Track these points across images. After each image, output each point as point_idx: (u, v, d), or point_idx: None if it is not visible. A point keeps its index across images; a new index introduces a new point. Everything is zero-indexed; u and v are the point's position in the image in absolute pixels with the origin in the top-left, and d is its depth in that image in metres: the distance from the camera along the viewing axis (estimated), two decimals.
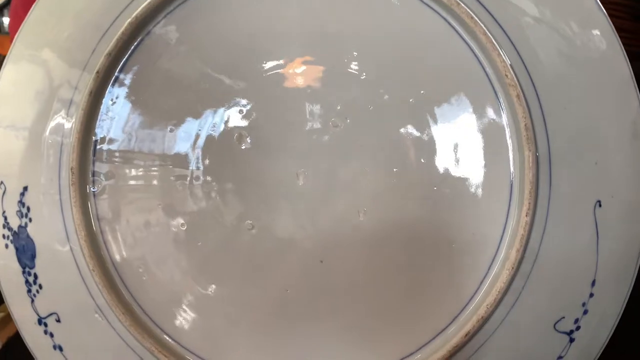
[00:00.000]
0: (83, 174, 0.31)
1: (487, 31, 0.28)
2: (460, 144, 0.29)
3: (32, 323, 0.32)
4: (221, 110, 0.31)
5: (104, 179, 0.31)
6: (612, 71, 0.29)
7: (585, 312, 0.29)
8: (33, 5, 0.32)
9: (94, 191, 0.31)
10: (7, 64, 0.33)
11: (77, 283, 0.31)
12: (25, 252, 0.32)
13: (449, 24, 0.29)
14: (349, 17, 0.30)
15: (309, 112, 0.30)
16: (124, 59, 0.31)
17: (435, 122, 0.29)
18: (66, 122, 0.31)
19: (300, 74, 0.30)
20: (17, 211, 0.32)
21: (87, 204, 0.31)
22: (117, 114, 0.31)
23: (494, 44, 0.28)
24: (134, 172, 0.31)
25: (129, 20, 0.30)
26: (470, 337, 0.28)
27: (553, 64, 0.28)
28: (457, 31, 0.29)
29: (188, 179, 0.31)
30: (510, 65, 0.28)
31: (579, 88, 0.29)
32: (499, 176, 0.29)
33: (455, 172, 0.29)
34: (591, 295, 0.29)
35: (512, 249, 0.28)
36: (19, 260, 0.32)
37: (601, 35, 0.29)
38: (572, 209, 0.29)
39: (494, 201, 0.29)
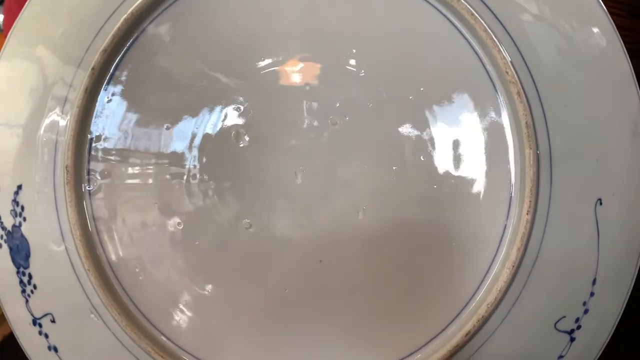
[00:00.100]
0: (78, 173, 0.31)
1: (487, 28, 0.28)
2: (460, 142, 0.29)
3: (26, 324, 0.32)
4: (218, 108, 0.31)
5: (99, 177, 0.31)
6: (612, 69, 0.29)
7: (586, 311, 0.29)
8: (27, 2, 0.32)
9: (89, 190, 0.31)
10: (1, 61, 0.32)
11: (72, 283, 0.31)
12: (20, 251, 0.32)
13: (449, 20, 0.28)
14: (348, 14, 0.29)
15: (307, 109, 0.30)
16: (120, 56, 0.30)
17: (435, 119, 0.29)
18: (61, 119, 0.31)
19: (298, 71, 0.30)
20: (11, 210, 0.32)
21: (82, 203, 0.31)
22: (113, 112, 0.31)
23: (494, 40, 0.28)
24: (130, 170, 0.31)
25: (124, 16, 0.30)
26: (470, 336, 0.28)
27: (554, 61, 0.28)
28: (457, 28, 0.28)
29: (185, 177, 0.31)
30: (511, 62, 0.28)
31: (579, 86, 0.28)
32: (499, 174, 0.29)
33: (455, 170, 0.29)
34: (592, 294, 0.29)
35: (513, 248, 0.28)
36: (13, 260, 0.32)
37: (601, 33, 0.29)
38: (573, 207, 0.28)
39: (495, 199, 0.29)
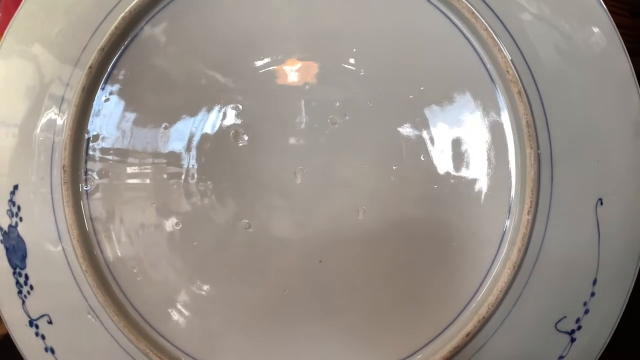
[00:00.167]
0: (75, 173, 0.30)
1: (488, 26, 0.27)
2: (460, 141, 0.29)
3: (23, 325, 0.32)
4: (217, 107, 0.30)
5: (96, 177, 0.31)
6: (613, 68, 0.29)
7: (587, 311, 0.29)
8: (23, 0, 0.31)
9: (86, 190, 0.31)
10: None
11: (69, 284, 0.31)
12: (16, 252, 0.31)
13: (449, 19, 0.28)
14: (348, 12, 0.29)
15: (306, 109, 0.30)
16: (117, 55, 0.30)
17: (435, 119, 0.29)
18: (58, 119, 0.31)
19: (297, 70, 0.30)
20: (7, 210, 0.31)
21: (79, 203, 0.30)
22: (110, 111, 0.31)
23: (495, 39, 0.27)
24: (127, 170, 0.31)
25: (122, 14, 0.29)
26: (471, 337, 0.28)
27: (554, 60, 0.28)
28: (457, 27, 0.28)
29: (183, 177, 0.31)
30: (512, 61, 0.28)
31: (580, 85, 0.28)
32: (500, 174, 0.28)
33: (456, 170, 0.29)
34: (592, 294, 0.29)
35: (514, 248, 0.27)
36: (9, 260, 0.32)
37: (602, 32, 0.28)
38: (573, 207, 0.28)
39: (495, 199, 0.28)
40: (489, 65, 0.28)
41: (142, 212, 0.31)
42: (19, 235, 0.31)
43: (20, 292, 0.32)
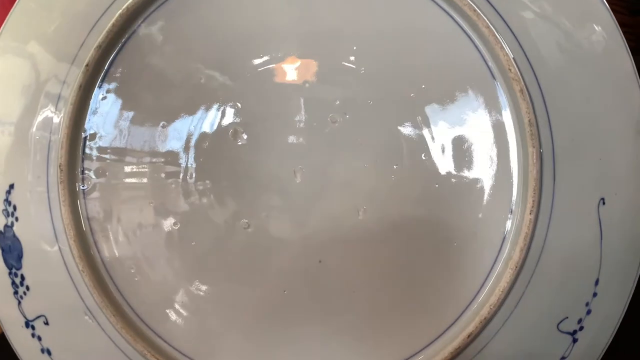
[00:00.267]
0: (72, 172, 0.30)
1: (489, 24, 0.27)
2: (461, 140, 0.29)
3: (19, 326, 0.32)
4: (215, 106, 0.30)
5: (94, 176, 0.30)
6: (615, 66, 0.28)
7: (589, 312, 0.29)
8: None
9: (83, 189, 0.30)
10: None
11: (66, 284, 0.30)
12: (12, 252, 0.31)
13: (451, 17, 0.28)
14: (348, 10, 0.29)
15: (306, 107, 0.30)
16: (115, 53, 0.30)
17: (436, 117, 0.29)
18: (54, 117, 0.30)
19: (296, 68, 0.30)
20: (3, 210, 0.31)
21: (76, 203, 0.30)
22: (108, 110, 0.30)
23: (496, 37, 0.27)
24: (125, 169, 0.30)
25: (120, 11, 0.29)
26: (472, 338, 0.28)
27: (556, 58, 0.28)
28: (458, 24, 0.28)
29: (181, 176, 0.30)
30: (514, 59, 0.27)
31: (582, 83, 0.28)
32: (501, 173, 0.28)
33: (457, 169, 0.29)
34: (594, 294, 0.29)
35: (516, 248, 0.27)
36: (5, 260, 0.31)
37: (604, 30, 0.28)
38: (575, 206, 0.28)
39: (497, 199, 0.28)
40: (490, 63, 0.28)
41: (140, 212, 0.30)
42: (14, 235, 0.31)
43: (16, 292, 0.31)
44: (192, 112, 0.30)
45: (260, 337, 0.30)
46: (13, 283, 0.31)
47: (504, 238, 0.28)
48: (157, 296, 0.30)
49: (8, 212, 0.31)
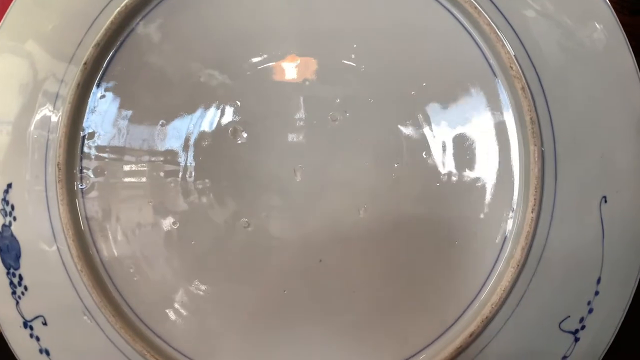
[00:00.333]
0: (70, 171, 0.30)
1: (490, 21, 0.27)
2: (463, 138, 0.29)
3: (17, 326, 0.31)
4: (215, 104, 0.30)
5: (92, 175, 0.30)
6: (616, 64, 0.28)
7: (591, 310, 0.29)
8: None
9: (82, 188, 0.30)
10: None
11: (64, 284, 0.30)
12: (10, 252, 0.31)
13: (452, 14, 0.28)
14: (348, 8, 0.29)
15: (306, 105, 0.29)
16: (113, 51, 0.30)
17: (437, 115, 0.29)
18: (52, 116, 0.30)
19: (296, 66, 0.30)
20: (1, 210, 0.31)
21: (74, 202, 0.30)
22: (106, 109, 0.30)
23: (498, 34, 0.27)
24: (123, 168, 0.30)
25: (118, 9, 0.29)
26: (474, 337, 0.27)
27: (558, 57, 0.28)
28: (459, 21, 0.28)
29: (180, 175, 0.30)
30: (515, 56, 0.27)
31: (583, 81, 0.28)
32: (503, 171, 0.28)
33: (458, 167, 0.29)
34: (596, 293, 0.29)
35: (518, 247, 0.27)
36: (3, 260, 0.31)
37: (605, 29, 0.28)
38: (577, 205, 0.28)
39: (498, 197, 0.28)
40: (492, 61, 0.28)
41: (139, 211, 0.30)
42: (12, 235, 0.31)
43: (14, 292, 0.31)
44: (191, 110, 0.30)
45: (260, 337, 0.30)
46: (11, 283, 0.31)
47: (506, 237, 0.28)
48: (156, 296, 0.30)
49: (6, 212, 0.31)
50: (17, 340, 0.32)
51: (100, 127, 0.30)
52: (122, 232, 0.30)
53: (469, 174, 0.29)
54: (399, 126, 0.29)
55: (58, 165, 0.29)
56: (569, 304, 0.29)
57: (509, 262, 0.27)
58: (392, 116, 0.29)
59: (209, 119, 0.30)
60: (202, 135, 0.30)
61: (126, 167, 0.30)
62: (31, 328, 0.31)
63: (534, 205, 0.27)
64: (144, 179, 0.30)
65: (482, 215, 0.28)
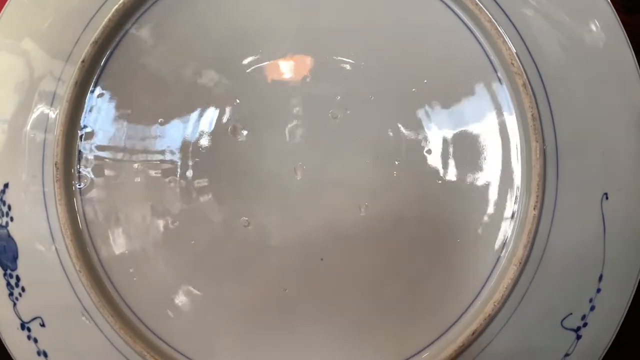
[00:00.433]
0: (68, 170, 0.30)
1: (491, 18, 0.27)
2: (464, 135, 0.29)
3: (14, 328, 0.31)
4: (214, 103, 0.30)
5: (90, 175, 0.30)
6: (617, 61, 0.28)
7: (592, 308, 0.29)
8: None
9: (80, 188, 0.30)
10: None
11: (62, 285, 0.30)
12: (6, 252, 0.31)
13: (452, 11, 0.28)
14: (347, 4, 0.29)
15: (306, 103, 0.29)
16: (111, 49, 0.30)
17: (439, 113, 0.29)
18: (50, 115, 0.30)
19: (296, 64, 0.29)
20: None
21: (72, 202, 0.30)
22: (104, 108, 0.30)
23: (499, 31, 0.27)
24: (122, 167, 0.30)
25: (116, 6, 0.29)
26: (477, 335, 0.27)
27: (558, 54, 0.28)
28: (460, 18, 0.28)
29: (179, 174, 0.30)
30: (516, 53, 0.27)
31: (584, 78, 0.28)
32: (504, 168, 0.28)
33: (459, 165, 0.29)
34: (598, 290, 0.29)
35: (520, 244, 0.27)
36: (0, 261, 0.31)
37: (605, 26, 0.28)
38: (579, 202, 0.28)
39: (501, 194, 0.28)
40: (493, 58, 0.28)
41: (138, 211, 0.30)
42: (9, 235, 0.31)
43: (11, 294, 0.31)
44: (189, 109, 0.30)
45: (260, 337, 0.30)
46: (8, 284, 0.31)
47: (507, 234, 0.28)
48: (155, 296, 0.30)
49: (2, 212, 0.31)
50: (15, 342, 0.31)
51: (98, 126, 0.30)
52: (121, 231, 0.30)
53: (470, 172, 0.28)
54: (400, 124, 0.29)
55: (56, 164, 0.29)
56: (570, 302, 0.29)
57: (511, 260, 0.27)
58: (393, 113, 0.29)
59: (208, 118, 0.30)
60: (201, 134, 0.30)
61: (125, 167, 0.30)
62: (29, 330, 0.31)
63: (536, 202, 0.27)
64: (142, 179, 0.30)
65: (483, 213, 0.28)
